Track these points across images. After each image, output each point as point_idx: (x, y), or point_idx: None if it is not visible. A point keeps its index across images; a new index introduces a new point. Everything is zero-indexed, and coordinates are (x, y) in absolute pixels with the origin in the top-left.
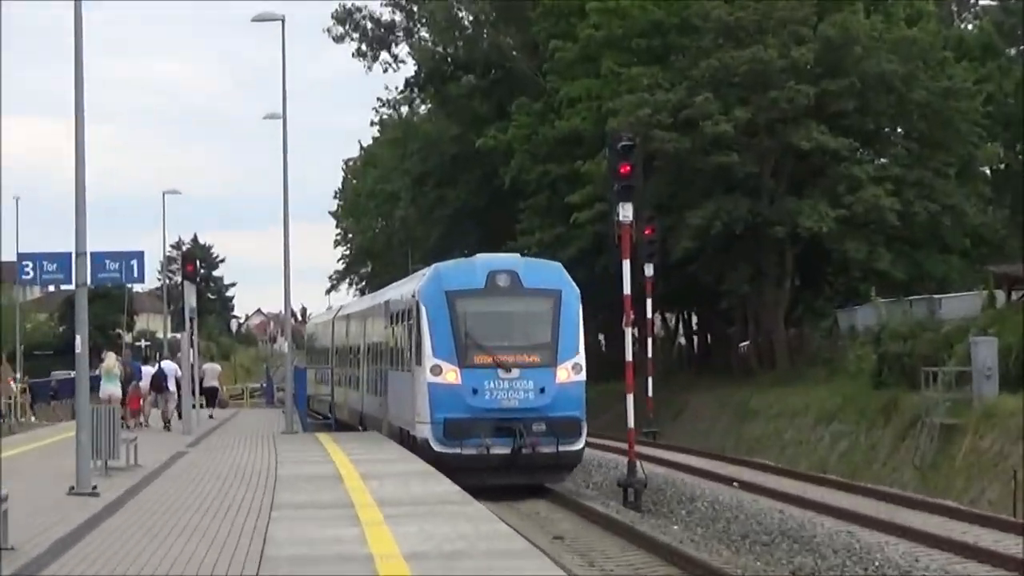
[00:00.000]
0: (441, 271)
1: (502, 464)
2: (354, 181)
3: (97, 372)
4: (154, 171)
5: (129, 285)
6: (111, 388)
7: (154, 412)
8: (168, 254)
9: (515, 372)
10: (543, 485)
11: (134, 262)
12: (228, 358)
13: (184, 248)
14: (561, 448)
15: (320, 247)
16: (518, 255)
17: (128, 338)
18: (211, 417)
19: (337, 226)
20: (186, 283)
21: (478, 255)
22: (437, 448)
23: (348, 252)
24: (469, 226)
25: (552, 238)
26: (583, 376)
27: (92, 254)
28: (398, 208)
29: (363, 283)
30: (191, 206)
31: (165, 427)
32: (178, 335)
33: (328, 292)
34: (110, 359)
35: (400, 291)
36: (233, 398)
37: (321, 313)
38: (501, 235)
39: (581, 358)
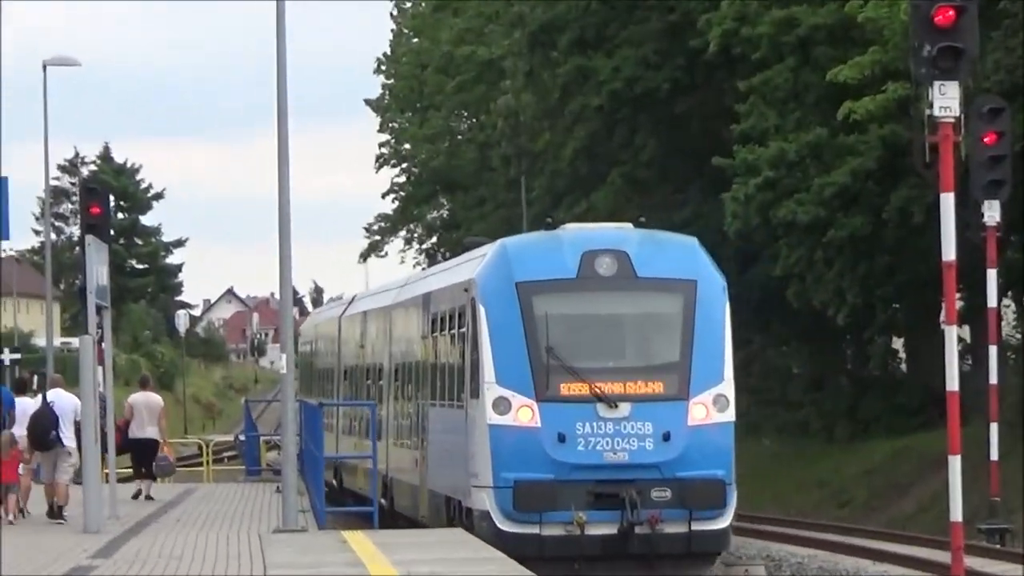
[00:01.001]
0: (510, 250)
1: (604, 550)
2: (414, 40)
3: None
4: (32, 25)
5: None
6: None
7: (36, 488)
8: (55, 182)
9: (624, 408)
10: None
11: None
12: (171, 386)
13: (85, 170)
14: (696, 526)
15: (350, 171)
16: (629, 225)
17: None
18: (140, 497)
19: (381, 128)
20: (90, 240)
21: (567, 225)
22: (503, 526)
23: (404, 180)
24: (638, 128)
25: (801, 149)
26: (731, 415)
27: None
28: (498, 92)
29: (434, 238)
30: (99, 91)
31: (52, 515)
32: (74, 340)
33: (364, 257)
34: None
35: (447, 278)
36: (184, 462)
37: (329, 304)
38: (700, 144)
39: (728, 387)
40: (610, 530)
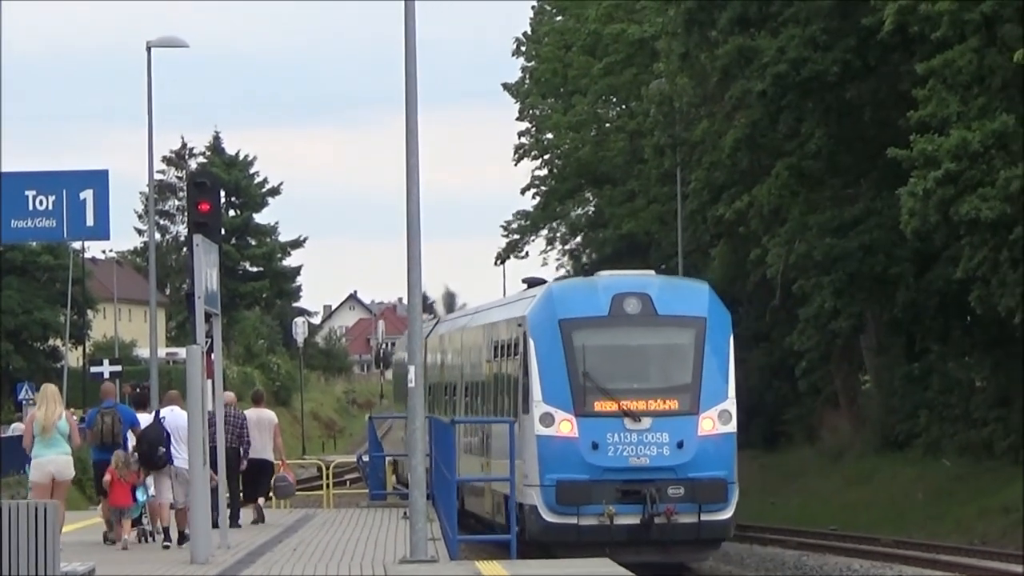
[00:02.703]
0: (554, 293)
1: (630, 537)
2: (558, 18)
3: (11, 431)
4: (135, 3)
5: (77, 246)
6: (52, 461)
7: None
8: (159, 176)
9: (646, 422)
10: (682, 565)
11: (87, 195)
12: (288, 402)
13: (193, 163)
14: (704, 517)
15: (486, 163)
16: (651, 272)
17: (73, 359)
18: (255, 521)
19: (521, 115)
20: (198, 240)
21: (601, 273)
22: (548, 517)
23: (546, 173)
24: (805, 115)
25: (985, 139)
26: (733, 427)
27: (2, 177)
28: (651, 75)
29: (579, 238)
30: (208, 76)
31: (171, 541)
32: (181, 351)
33: (502, 259)
34: (48, 399)
35: (505, 313)
36: (301, 485)
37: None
38: (873, 133)
39: (731, 404)
40: (634, 520)
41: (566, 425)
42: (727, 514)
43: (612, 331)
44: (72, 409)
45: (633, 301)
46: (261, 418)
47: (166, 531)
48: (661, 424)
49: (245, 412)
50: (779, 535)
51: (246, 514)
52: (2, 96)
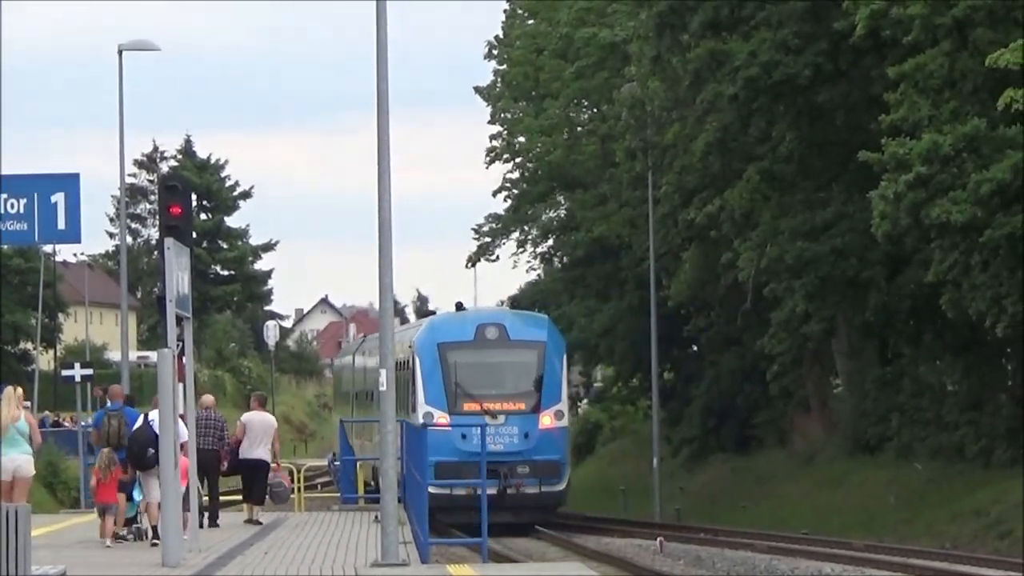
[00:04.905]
0: (435, 323)
1: (490, 504)
2: (529, 21)
3: None
4: (107, 6)
5: (48, 250)
6: (12, 459)
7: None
8: (131, 179)
9: (501, 418)
10: (530, 524)
11: (58, 199)
12: (262, 405)
13: (165, 166)
14: (544, 489)
15: (458, 166)
16: (506, 308)
17: (44, 362)
18: (252, 521)
19: (492, 119)
20: (169, 243)
21: (470, 308)
22: (430, 489)
23: (517, 176)
24: (776, 119)
25: (956, 142)
26: (565, 422)
27: None
28: (622, 79)
29: (550, 241)
30: (180, 79)
31: (159, 539)
32: (152, 354)
33: (473, 262)
34: (6, 402)
35: (403, 337)
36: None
37: (354, 342)
38: (845, 137)
39: (564, 405)
40: (492, 491)
41: (442, 420)
42: (561, 487)
43: (476, 351)
44: (47, 412)
45: (492, 329)
46: (264, 421)
47: (155, 529)
48: (512, 420)
49: (247, 414)
50: (750, 539)
51: (241, 515)
52: (1, 96)
